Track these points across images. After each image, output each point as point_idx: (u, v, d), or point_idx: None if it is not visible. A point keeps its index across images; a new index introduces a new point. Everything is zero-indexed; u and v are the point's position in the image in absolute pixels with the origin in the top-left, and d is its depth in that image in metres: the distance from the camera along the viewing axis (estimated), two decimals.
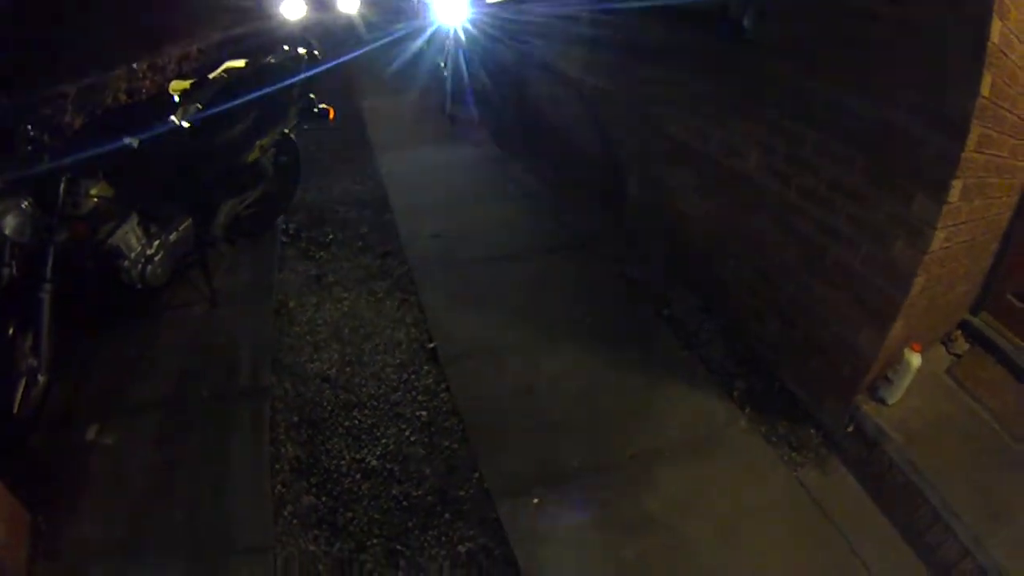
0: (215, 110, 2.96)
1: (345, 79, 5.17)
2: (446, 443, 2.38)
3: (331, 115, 3.54)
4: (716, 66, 3.19)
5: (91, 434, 2.34)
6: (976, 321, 2.99)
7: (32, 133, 2.38)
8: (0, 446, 2.14)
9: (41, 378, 2.28)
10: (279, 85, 3.17)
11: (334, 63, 3.93)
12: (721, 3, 2.97)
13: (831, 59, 2.55)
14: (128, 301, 2.88)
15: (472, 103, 5.84)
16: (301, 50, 3.48)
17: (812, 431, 2.53)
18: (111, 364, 2.65)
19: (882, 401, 2.49)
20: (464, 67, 5.74)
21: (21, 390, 2.22)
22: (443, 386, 2.62)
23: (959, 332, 2.96)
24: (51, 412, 2.34)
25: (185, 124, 2.83)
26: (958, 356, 2.86)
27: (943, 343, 2.91)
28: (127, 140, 2.51)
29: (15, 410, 2.19)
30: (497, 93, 5.78)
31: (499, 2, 5.27)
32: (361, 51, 5.27)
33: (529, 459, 2.32)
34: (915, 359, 2.42)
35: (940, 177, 2.21)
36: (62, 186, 2.33)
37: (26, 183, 2.28)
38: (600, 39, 4.19)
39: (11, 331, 2.20)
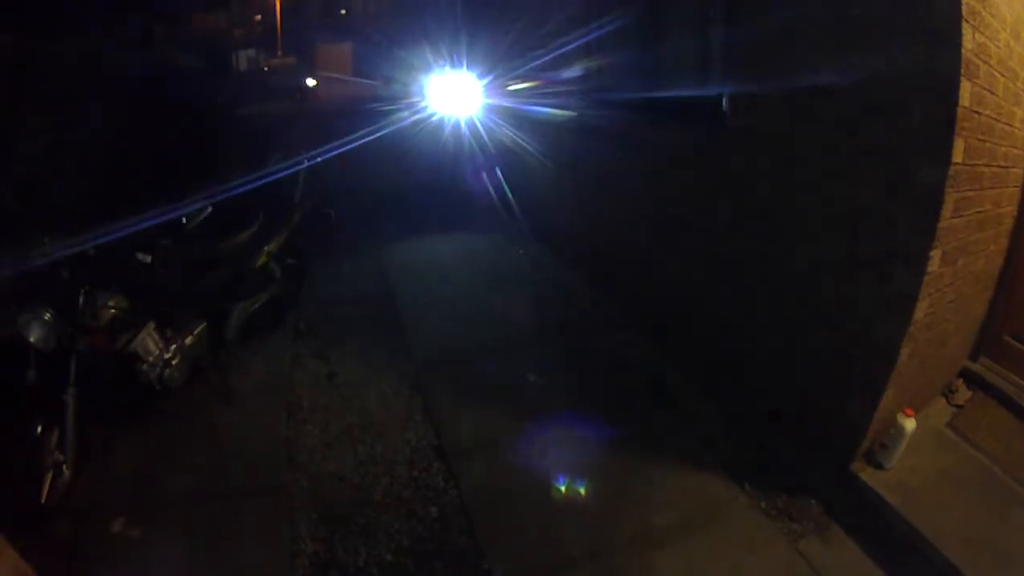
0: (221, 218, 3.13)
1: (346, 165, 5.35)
2: (455, 537, 2.48)
3: (332, 217, 3.72)
4: (699, 155, 3.28)
5: (117, 526, 2.48)
6: (976, 367, 3.00)
7: (49, 246, 2.55)
8: (29, 535, 2.28)
9: (67, 471, 2.46)
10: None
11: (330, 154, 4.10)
12: (703, 95, 3.06)
13: (804, 143, 2.61)
14: (148, 401, 3.03)
15: (476, 189, 6.00)
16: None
17: (812, 502, 2.56)
18: (133, 460, 2.80)
19: (879, 466, 2.53)
20: (467, 154, 5.91)
21: (48, 482, 2.40)
22: (451, 483, 2.72)
23: (959, 380, 2.97)
24: (77, 504, 2.50)
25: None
26: (959, 407, 2.87)
27: (943, 395, 2.92)
28: (140, 256, 2.70)
29: (43, 500, 2.37)
30: (499, 178, 5.93)
31: (496, 102, 5.46)
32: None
33: (533, 549, 2.40)
34: (909, 424, 2.46)
35: (917, 249, 2.24)
36: (81, 299, 2.51)
37: (46, 295, 2.47)
38: (589, 129, 4.34)
39: (39, 429, 2.38)
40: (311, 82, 10.27)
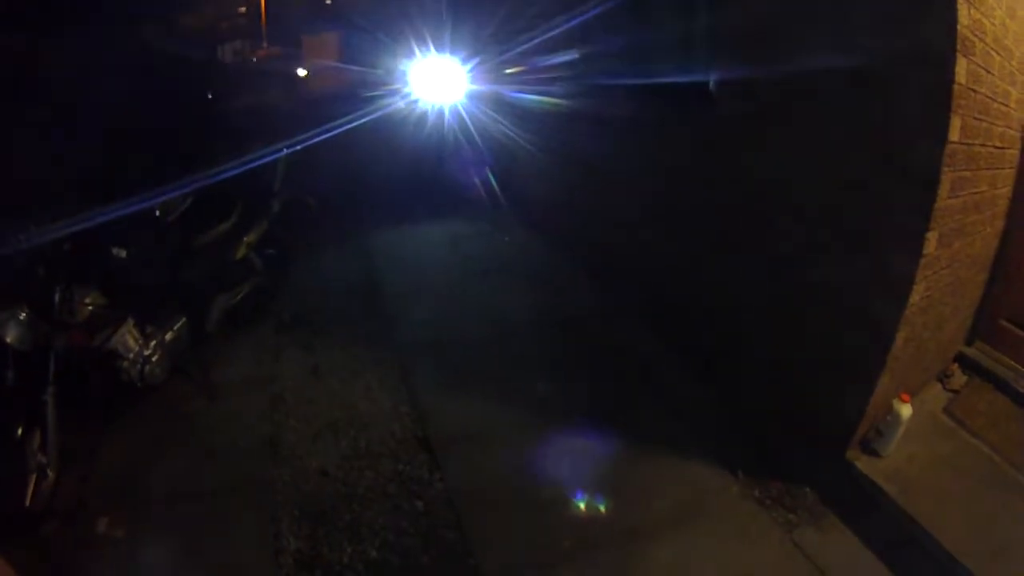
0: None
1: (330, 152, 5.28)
2: (441, 531, 2.42)
3: (313, 206, 3.65)
4: (689, 138, 3.21)
5: (102, 526, 2.44)
6: (971, 352, 2.96)
7: (24, 243, 2.49)
8: (14, 538, 2.27)
9: (50, 473, 2.41)
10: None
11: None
12: (691, 77, 2.99)
13: (796, 124, 2.55)
14: (129, 398, 2.97)
15: (461, 177, 5.92)
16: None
17: (807, 490, 2.52)
18: (116, 459, 2.75)
19: (875, 454, 2.48)
20: (452, 141, 5.85)
21: (32, 485, 2.34)
22: (437, 475, 2.66)
23: (955, 365, 2.93)
24: (61, 505, 2.46)
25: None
26: (955, 392, 2.82)
27: (939, 380, 2.87)
28: (115, 250, 2.64)
29: (27, 503, 2.32)
30: (485, 165, 5.86)
31: (481, 88, 5.39)
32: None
33: (521, 542, 2.36)
34: (905, 410, 2.41)
35: (914, 231, 2.18)
36: (57, 296, 2.46)
37: (22, 293, 2.40)
38: (577, 114, 4.26)
39: (20, 431, 2.34)
40: (301, 72, 10.30)
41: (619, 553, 2.31)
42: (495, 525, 2.44)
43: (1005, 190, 2.75)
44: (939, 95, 2.08)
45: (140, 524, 2.45)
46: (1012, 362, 2.88)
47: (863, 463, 2.46)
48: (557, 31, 4.05)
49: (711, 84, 2.87)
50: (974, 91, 2.21)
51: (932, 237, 2.19)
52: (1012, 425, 2.71)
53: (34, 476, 2.37)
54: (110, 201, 2.73)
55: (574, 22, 3.87)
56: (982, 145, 2.38)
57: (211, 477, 2.67)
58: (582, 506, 2.50)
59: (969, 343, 3.01)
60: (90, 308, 2.60)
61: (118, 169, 3.89)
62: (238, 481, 2.66)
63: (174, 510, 2.52)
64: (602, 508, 2.49)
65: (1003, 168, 2.66)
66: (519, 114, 5.15)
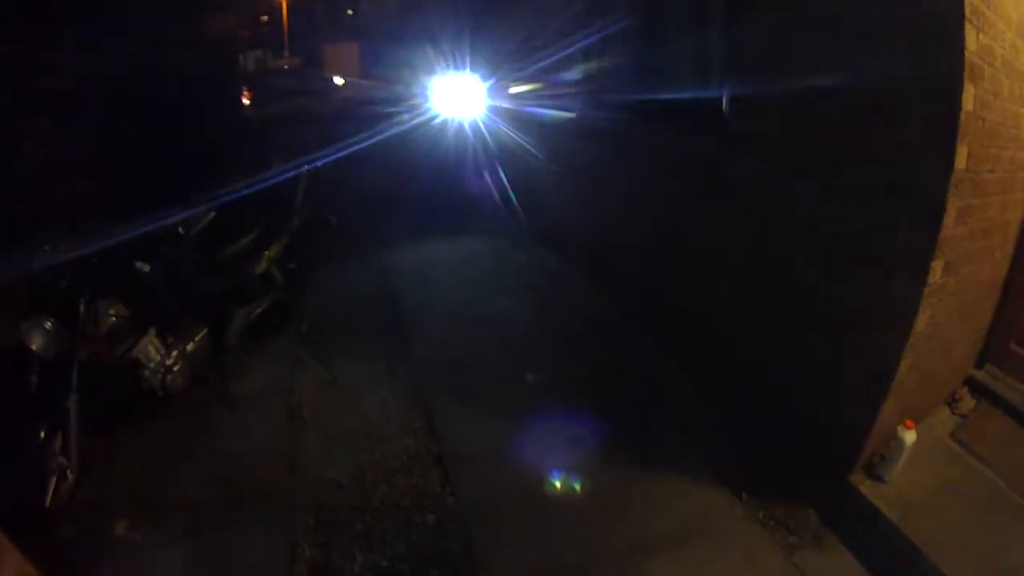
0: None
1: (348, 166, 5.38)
2: (451, 545, 2.49)
3: (334, 222, 3.76)
4: (700, 158, 3.24)
5: (120, 529, 2.54)
6: (981, 375, 2.95)
7: (51, 255, 2.60)
8: (33, 537, 2.32)
9: (71, 475, 2.52)
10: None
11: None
12: (704, 97, 3.03)
13: (803, 147, 2.57)
14: (150, 406, 3.06)
15: (479, 193, 6.00)
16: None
17: (810, 512, 2.54)
18: (136, 465, 2.85)
19: (879, 478, 2.49)
20: (470, 157, 5.93)
21: (52, 486, 2.46)
22: (448, 490, 2.73)
23: (964, 389, 2.92)
24: (80, 507, 2.56)
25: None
26: (964, 416, 2.82)
27: (948, 404, 2.87)
28: (139, 265, 2.75)
29: (47, 504, 2.43)
30: (503, 181, 5.92)
31: (500, 104, 5.46)
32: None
33: (527, 557, 2.41)
34: (909, 436, 2.42)
35: (918, 260, 2.18)
36: (82, 307, 2.57)
37: (48, 304, 2.52)
38: (592, 132, 4.31)
39: (42, 434, 2.45)
40: (339, 80, 10.56)
41: (624, 570, 2.35)
42: (504, 540, 2.50)
43: (1015, 214, 2.74)
44: (945, 123, 2.08)
45: (157, 528, 2.54)
46: (1022, 386, 2.87)
47: (867, 487, 2.48)
48: (575, 49, 4.10)
49: (724, 104, 2.90)
50: (982, 118, 2.21)
51: (937, 266, 2.20)
52: (1020, 450, 2.69)
53: (55, 478, 2.48)
54: (134, 215, 2.84)
55: (592, 40, 3.91)
56: (990, 171, 2.38)
57: (228, 485, 2.75)
58: (589, 523, 2.54)
59: (979, 366, 3.00)
60: (113, 319, 2.71)
61: (142, 181, 4.02)
62: (255, 490, 2.74)
63: (191, 516, 2.61)
64: (607, 524, 2.53)
65: (1013, 192, 2.65)
66: (537, 131, 5.21)
